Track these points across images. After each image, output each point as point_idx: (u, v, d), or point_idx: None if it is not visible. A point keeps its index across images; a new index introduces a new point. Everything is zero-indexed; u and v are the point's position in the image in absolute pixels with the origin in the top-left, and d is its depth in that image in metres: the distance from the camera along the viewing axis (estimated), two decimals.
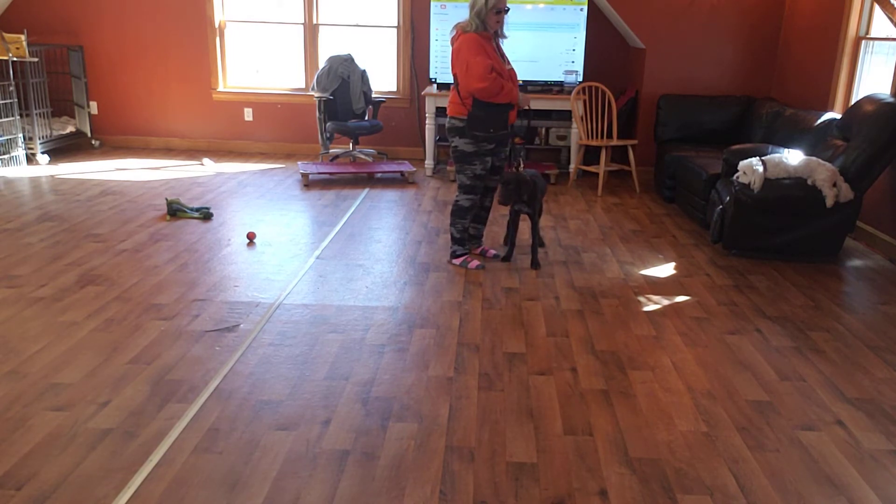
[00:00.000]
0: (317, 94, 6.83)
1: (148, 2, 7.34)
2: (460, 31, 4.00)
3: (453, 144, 4.15)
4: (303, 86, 7.64)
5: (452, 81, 4.09)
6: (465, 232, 4.34)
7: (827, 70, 5.62)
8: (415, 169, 6.68)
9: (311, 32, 7.50)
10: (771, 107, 5.94)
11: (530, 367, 3.08)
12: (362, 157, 7.17)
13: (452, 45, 4.04)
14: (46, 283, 3.85)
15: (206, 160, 7.07)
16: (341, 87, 6.86)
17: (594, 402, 2.80)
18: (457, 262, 4.32)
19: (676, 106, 6.50)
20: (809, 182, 4.42)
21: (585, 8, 6.70)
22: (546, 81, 6.87)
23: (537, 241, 4.41)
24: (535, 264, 4.35)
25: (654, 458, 2.45)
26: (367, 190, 6.20)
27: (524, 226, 4.92)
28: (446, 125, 4.19)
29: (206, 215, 5.17)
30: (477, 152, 4.10)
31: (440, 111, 6.52)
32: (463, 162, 4.15)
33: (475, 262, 4.30)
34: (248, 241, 4.68)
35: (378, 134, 7.18)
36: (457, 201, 4.27)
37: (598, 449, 2.49)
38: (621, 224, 5.40)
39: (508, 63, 4.11)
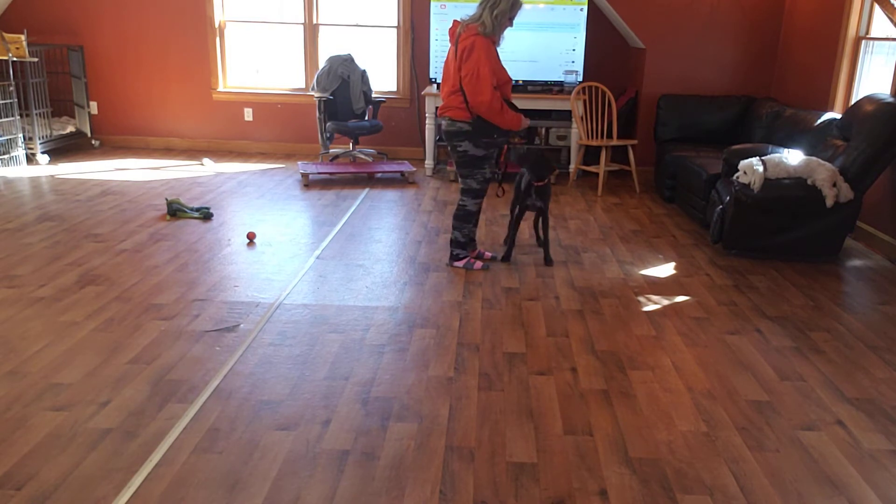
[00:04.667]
0: (317, 94, 6.83)
1: (148, 2, 7.34)
2: (472, 31, 3.82)
3: (461, 149, 4.01)
4: (303, 86, 7.64)
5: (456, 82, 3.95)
6: (469, 236, 4.31)
7: (827, 70, 5.62)
8: (415, 169, 6.68)
9: (311, 32, 7.50)
10: (771, 107, 5.94)
11: (530, 367, 3.08)
12: (362, 157, 7.17)
13: (455, 39, 3.88)
14: (46, 283, 3.85)
15: (206, 160, 7.07)
16: (341, 87, 6.86)
17: (594, 402, 2.80)
18: (459, 264, 4.30)
19: (676, 106, 6.51)
20: (809, 182, 4.42)
21: (585, 8, 6.70)
22: (546, 81, 6.86)
23: (548, 237, 4.40)
24: (548, 261, 4.33)
25: (654, 458, 2.45)
26: (367, 190, 6.21)
27: (524, 225, 4.92)
28: (449, 128, 4.03)
29: (206, 215, 5.17)
30: (486, 156, 4.05)
31: None
32: (473, 167, 4.07)
33: (479, 263, 4.29)
34: (248, 241, 4.68)
35: (378, 134, 7.18)
36: (464, 206, 4.18)
37: (598, 449, 2.49)
38: (621, 224, 5.40)
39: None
